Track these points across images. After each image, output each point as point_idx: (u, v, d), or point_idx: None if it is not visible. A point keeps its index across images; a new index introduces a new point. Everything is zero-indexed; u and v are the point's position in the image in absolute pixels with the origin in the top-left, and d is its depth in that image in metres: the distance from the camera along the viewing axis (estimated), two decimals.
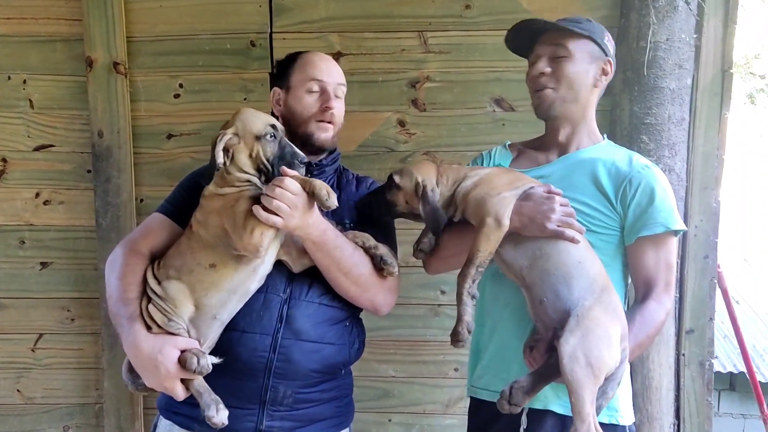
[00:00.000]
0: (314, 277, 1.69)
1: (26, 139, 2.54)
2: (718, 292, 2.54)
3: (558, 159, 1.79)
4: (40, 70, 2.51)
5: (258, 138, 1.58)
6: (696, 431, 2.40)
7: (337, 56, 2.39)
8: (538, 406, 1.62)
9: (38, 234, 2.57)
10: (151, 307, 1.57)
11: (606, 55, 1.76)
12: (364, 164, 2.45)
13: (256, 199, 1.53)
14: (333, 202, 1.52)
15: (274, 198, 1.49)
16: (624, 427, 1.67)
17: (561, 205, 1.59)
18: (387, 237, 1.80)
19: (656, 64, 2.28)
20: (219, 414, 1.52)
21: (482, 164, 1.88)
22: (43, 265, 2.58)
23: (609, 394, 1.53)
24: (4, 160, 2.55)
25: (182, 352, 1.52)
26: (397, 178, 1.73)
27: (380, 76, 2.47)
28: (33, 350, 2.61)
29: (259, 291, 1.63)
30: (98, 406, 2.61)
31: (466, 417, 1.87)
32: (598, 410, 1.50)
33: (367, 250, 1.68)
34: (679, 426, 2.39)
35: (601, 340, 1.47)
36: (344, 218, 1.77)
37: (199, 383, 1.55)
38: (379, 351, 2.50)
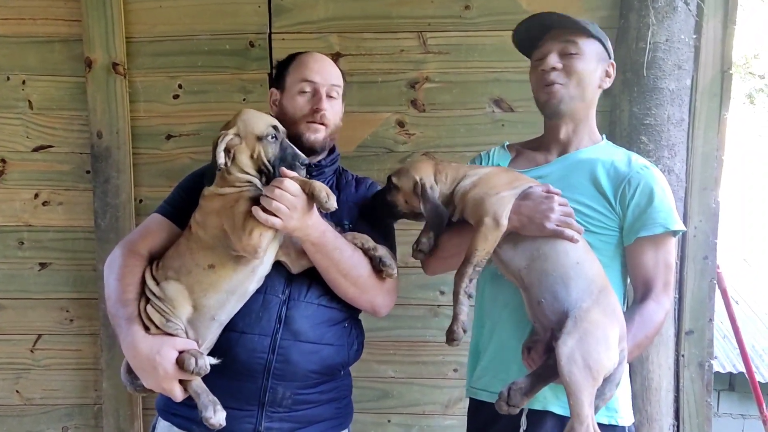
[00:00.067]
0: (313, 278, 1.68)
1: (25, 140, 2.54)
2: (718, 292, 2.54)
3: (557, 159, 1.79)
4: (39, 70, 2.51)
5: (259, 139, 1.58)
6: None
7: (336, 57, 2.39)
8: (537, 407, 1.62)
9: (37, 235, 2.57)
10: (149, 308, 1.57)
11: (610, 57, 1.77)
12: (364, 165, 2.45)
13: (256, 200, 1.52)
14: (332, 203, 1.52)
15: (273, 199, 1.48)
16: (623, 428, 1.67)
17: (560, 204, 1.59)
18: (386, 238, 1.80)
19: (655, 65, 2.28)
20: (217, 415, 1.52)
21: (481, 164, 1.88)
22: (42, 265, 2.58)
23: (607, 395, 1.53)
24: (3, 161, 2.55)
25: (180, 353, 1.52)
26: (395, 179, 1.73)
27: (379, 77, 2.47)
28: (32, 351, 2.61)
29: (257, 292, 1.63)
30: (97, 406, 2.61)
31: (466, 418, 1.86)
32: (596, 411, 1.50)
33: (366, 251, 1.68)
34: (678, 427, 2.39)
35: (599, 342, 1.47)
36: (343, 219, 1.77)
37: (197, 384, 1.55)
38: (378, 351, 2.49)
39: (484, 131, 2.45)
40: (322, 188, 1.52)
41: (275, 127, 1.61)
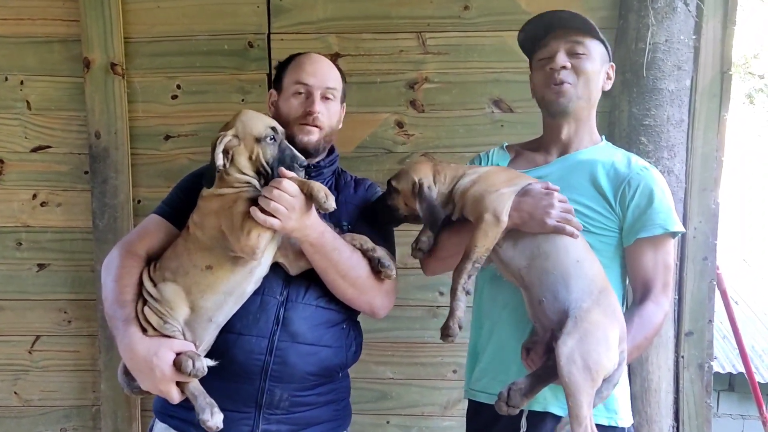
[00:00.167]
0: (311, 279, 1.68)
1: (23, 140, 2.53)
2: (717, 293, 2.54)
3: (556, 160, 1.79)
4: (37, 71, 2.51)
5: (258, 140, 1.58)
6: None
7: (335, 57, 2.39)
8: (537, 408, 1.62)
9: (35, 235, 2.56)
10: (146, 309, 1.56)
11: (610, 59, 1.78)
12: (363, 165, 2.44)
13: (254, 201, 1.52)
14: (331, 204, 1.52)
15: (271, 200, 1.48)
16: (623, 429, 1.66)
17: (559, 201, 1.59)
18: (385, 239, 1.79)
19: (655, 66, 2.28)
20: (214, 417, 1.51)
21: (479, 165, 1.88)
22: (40, 266, 2.57)
23: (604, 394, 1.52)
24: (2, 161, 2.54)
25: (177, 354, 1.52)
26: (394, 183, 1.74)
27: (378, 77, 2.46)
28: (30, 352, 2.60)
29: (255, 293, 1.63)
30: (95, 408, 2.60)
31: (465, 419, 1.86)
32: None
33: (364, 252, 1.68)
34: (678, 428, 2.39)
35: (599, 343, 1.47)
36: (342, 220, 1.76)
37: (195, 386, 1.54)
38: (376, 353, 2.49)
39: (484, 132, 2.45)
40: (320, 189, 1.52)
41: (274, 129, 1.60)
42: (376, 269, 1.68)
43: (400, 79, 2.46)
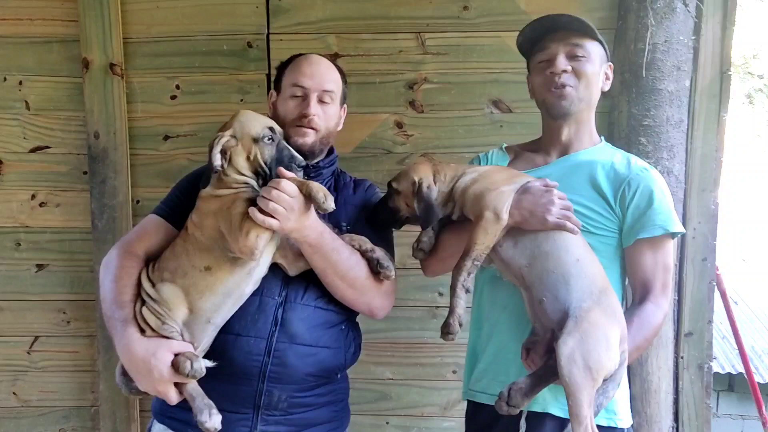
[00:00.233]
0: (310, 280, 1.68)
1: (22, 141, 2.53)
2: (717, 294, 2.53)
3: (556, 161, 1.79)
4: (36, 71, 2.50)
5: (256, 140, 1.57)
6: None
7: (334, 57, 2.38)
8: (536, 408, 1.62)
9: (34, 236, 2.56)
10: (144, 310, 1.56)
11: (608, 59, 1.79)
12: (362, 166, 2.44)
13: (253, 201, 1.52)
14: (330, 204, 1.51)
15: (270, 200, 1.48)
16: (622, 429, 1.67)
17: (559, 198, 1.60)
18: (384, 240, 1.79)
19: (654, 66, 2.28)
20: (212, 419, 1.51)
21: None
22: (39, 267, 2.57)
23: (610, 393, 1.53)
24: (0, 162, 2.54)
25: (176, 355, 1.51)
26: (395, 184, 1.75)
27: (377, 78, 2.46)
28: (29, 353, 2.59)
29: (254, 294, 1.63)
30: (94, 409, 2.60)
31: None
32: (599, 408, 1.50)
33: (363, 253, 1.68)
34: (677, 429, 2.39)
35: (600, 343, 1.47)
36: (341, 221, 1.76)
37: (193, 387, 1.54)
38: (376, 353, 2.49)
39: (483, 132, 2.45)
40: (319, 189, 1.52)
41: (272, 129, 1.60)
42: (375, 270, 1.68)
43: (400, 80, 2.46)
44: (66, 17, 2.48)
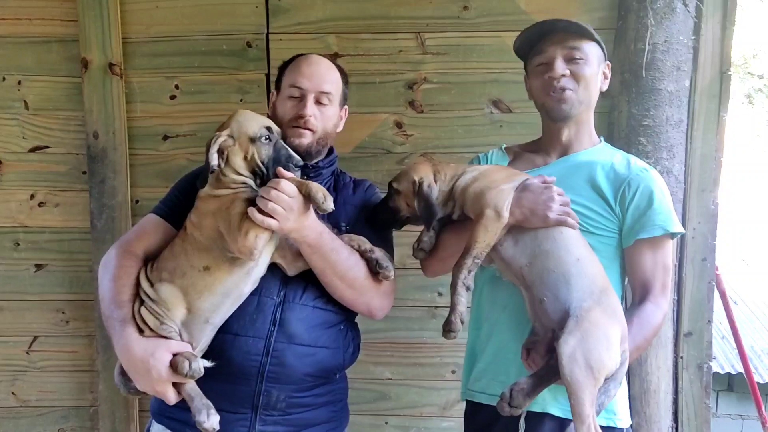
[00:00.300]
0: (309, 280, 1.68)
1: (21, 141, 2.53)
2: (717, 294, 2.53)
3: (556, 161, 1.79)
4: (35, 71, 2.50)
5: (253, 140, 1.57)
6: None
7: (334, 57, 2.38)
8: (536, 409, 1.62)
9: (33, 236, 2.55)
10: (143, 309, 1.56)
11: (605, 58, 1.78)
12: (361, 166, 2.44)
13: (252, 201, 1.52)
14: (329, 204, 1.51)
15: (269, 200, 1.48)
16: (621, 429, 1.67)
17: (558, 194, 1.60)
18: (383, 240, 1.79)
19: (654, 66, 2.27)
20: (210, 419, 1.51)
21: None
22: (38, 266, 2.56)
23: (612, 392, 1.53)
24: None
25: (174, 355, 1.51)
26: (395, 184, 1.75)
27: (377, 78, 2.46)
28: (28, 352, 2.59)
29: (252, 294, 1.62)
30: (93, 408, 2.59)
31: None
32: (600, 408, 1.51)
33: (362, 253, 1.68)
34: (677, 429, 2.39)
35: (601, 342, 1.47)
36: (340, 221, 1.76)
37: (191, 387, 1.54)
38: (375, 353, 2.48)
39: (483, 132, 2.45)
40: (318, 189, 1.51)
41: (269, 128, 1.60)
42: (374, 270, 1.68)
43: (399, 80, 2.46)
44: (65, 17, 2.47)
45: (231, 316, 1.61)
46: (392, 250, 1.82)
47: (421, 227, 1.76)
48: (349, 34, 2.45)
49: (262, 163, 1.57)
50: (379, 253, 1.68)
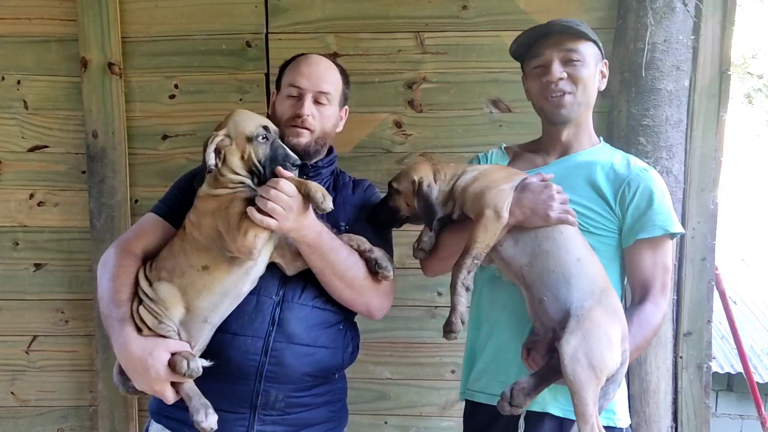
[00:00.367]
0: (308, 279, 1.68)
1: (20, 140, 2.52)
2: (716, 294, 2.53)
3: (555, 161, 1.79)
4: (34, 70, 2.50)
5: (249, 139, 1.57)
6: None
7: (333, 57, 2.37)
8: (536, 408, 1.61)
9: (32, 235, 2.55)
10: (141, 309, 1.56)
11: (602, 57, 1.78)
12: (361, 165, 2.44)
13: (251, 201, 1.52)
14: (328, 204, 1.51)
15: (268, 200, 1.48)
16: (621, 429, 1.67)
17: (557, 192, 1.60)
18: (383, 240, 1.79)
19: (654, 66, 2.27)
20: (208, 419, 1.50)
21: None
22: (37, 266, 2.56)
23: (610, 394, 1.53)
24: None
25: (172, 354, 1.51)
26: (395, 184, 1.75)
27: (377, 77, 2.46)
28: (27, 352, 2.59)
29: (251, 293, 1.62)
30: (92, 408, 2.59)
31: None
32: (599, 411, 1.50)
33: (362, 253, 1.67)
34: (676, 428, 2.39)
35: (602, 342, 1.47)
36: (339, 221, 1.76)
37: (189, 387, 1.54)
38: (374, 353, 2.48)
39: (482, 132, 2.45)
40: (318, 189, 1.51)
41: (266, 128, 1.60)
42: (374, 270, 1.68)
43: (399, 79, 2.46)
44: (64, 16, 2.47)
45: (230, 316, 1.61)
46: (391, 250, 1.82)
47: (421, 227, 1.76)
48: (348, 34, 2.45)
49: (259, 162, 1.57)
50: (378, 253, 1.68)
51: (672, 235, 1.68)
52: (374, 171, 2.44)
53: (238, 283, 1.57)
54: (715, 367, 5.49)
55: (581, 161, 1.75)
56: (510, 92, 2.41)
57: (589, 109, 1.78)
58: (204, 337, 1.59)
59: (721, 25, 2.34)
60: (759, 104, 9.21)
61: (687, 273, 2.36)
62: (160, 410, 1.69)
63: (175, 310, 1.55)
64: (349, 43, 2.45)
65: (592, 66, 1.73)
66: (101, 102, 2.45)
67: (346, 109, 1.90)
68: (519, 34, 1.80)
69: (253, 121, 1.60)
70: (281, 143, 1.61)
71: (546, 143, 1.84)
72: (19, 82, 2.50)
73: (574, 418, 1.51)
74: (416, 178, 1.69)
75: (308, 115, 1.74)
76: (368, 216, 1.80)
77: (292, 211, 1.50)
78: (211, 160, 1.54)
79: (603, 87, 1.80)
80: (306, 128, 1.74)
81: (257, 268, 1.59)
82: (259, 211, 1.48)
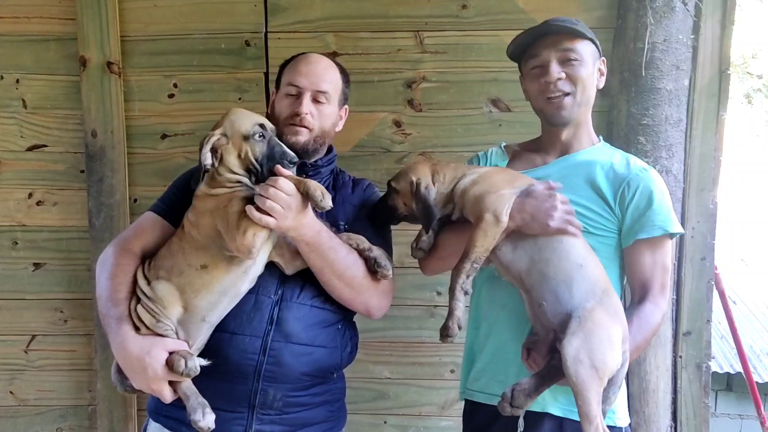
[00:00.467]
0: (306, 279, 1.67)
1: (19, 139, 2.52)
2: (716, 293, 2.53)
3: (555, 161, 1.79)
4: (33, 69, 2.50)
5: (246, 138, 1.57)
6: None
7: (332, 56, 2.37)
8: (535, 408, 1.61)
9: (31, 234, 2.55)
10: (139, 307, 1.55)
11: (600, 55, 1.77)
12: (360, 165, 2.43)
13: (250, 200, 1.51)
14: (327, 203, 1.51)
15: (267, 198, 1.47)
16: (620, 428, 1.67)
17: (562, 202, 1.59)
18: (382, 239, 1.79)
19: (653, 65, 2.27)
20: (205, 418, 1.50)
21: (478, 165, 1.87)
22: (36, 265, 2.56)
23: (611, 398, 1.53)
24: None
25: (170, 353, 1.51)
26: (394, 183, 1.75)
27: (376, 76, 2.45)
28: (26, 351, 2.59)
29: (250, 292, 1.62)
30: (91, 407, 2.59)
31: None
32: (602, 415, 1.50)
33: (361, 252, 1.67)
34: (676, 428, 2.39)
35: (604, 342, 1.47)
36: (339, 220, 1.76)
37: (187, 386, 1.54)
38: (373, 352, 2.48)
39: (482, 131, 2.44)
40: (317, 187, 1.51)
41: (262, 126, 1.59)
42: (373, 269, 1.67)
43: (398, 78, 2.46)
44: (63, 15, 2.47)
45: (228, 315, 1.61)
46: (391, 249, 1.82)
47: (420, 226, 1.76)
48: (347, 33, 2.45)
49: (256, 160, 1.56)
50: (377, 252, 1.67)
51: (671, 235, 1.67)
52: (373, 170, 2.44)
53: (237, 282, 1.57)
54: (714, 367, 5.49)
55: (581, 161, 1.75)
56: (509, 91, 2.41)
57: (589, 108, 1.78)
58: (202, 336, 1.59)
59: (721, 25, 2.34)
60: (758, 104, 9.21)
61: (686, 273, 2.36)
62: (158, 409, 1.69)
63: (173, 309, 1.55)
64: (349, 43, 2.44)
65: (590, 65, 1.72)
66: (100, 101, 2.45)
67: (346, 109, 1.90)
68: (516, 35, 1.79)
69: (249, 120, 1.59)
70: (278, 141, 1.60)
71: (545, 143, 1.83)
72: (17, 81, 2.50)
73: (573, 417, 1.51)
74: (414, 179, 1.69)
75: (306, 114, 1.73)
76: (367, 215, 1.79)
77: (291, 209, 1.50)
78: (207, 159, 1.54)
79: (602, 85, 1.79)
80: (304, 126, 1.74)
81: (256, 267, 1.59)
82: (258, 209, 1.48)
